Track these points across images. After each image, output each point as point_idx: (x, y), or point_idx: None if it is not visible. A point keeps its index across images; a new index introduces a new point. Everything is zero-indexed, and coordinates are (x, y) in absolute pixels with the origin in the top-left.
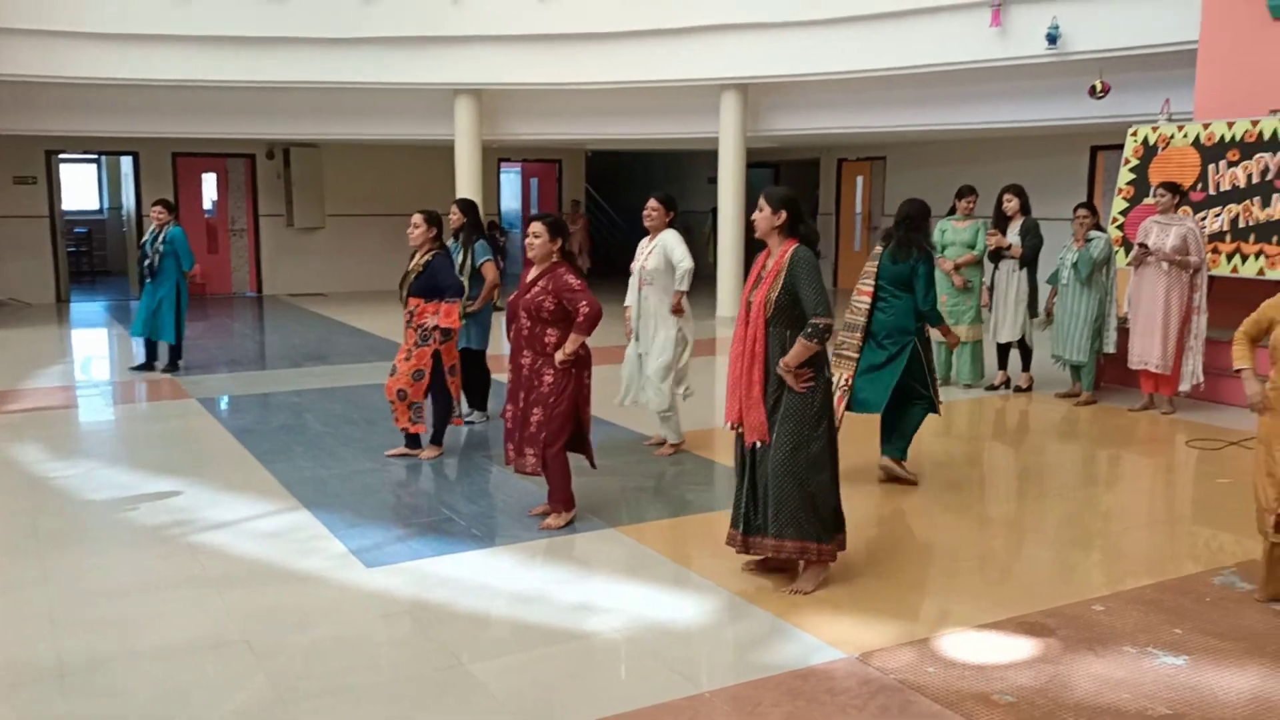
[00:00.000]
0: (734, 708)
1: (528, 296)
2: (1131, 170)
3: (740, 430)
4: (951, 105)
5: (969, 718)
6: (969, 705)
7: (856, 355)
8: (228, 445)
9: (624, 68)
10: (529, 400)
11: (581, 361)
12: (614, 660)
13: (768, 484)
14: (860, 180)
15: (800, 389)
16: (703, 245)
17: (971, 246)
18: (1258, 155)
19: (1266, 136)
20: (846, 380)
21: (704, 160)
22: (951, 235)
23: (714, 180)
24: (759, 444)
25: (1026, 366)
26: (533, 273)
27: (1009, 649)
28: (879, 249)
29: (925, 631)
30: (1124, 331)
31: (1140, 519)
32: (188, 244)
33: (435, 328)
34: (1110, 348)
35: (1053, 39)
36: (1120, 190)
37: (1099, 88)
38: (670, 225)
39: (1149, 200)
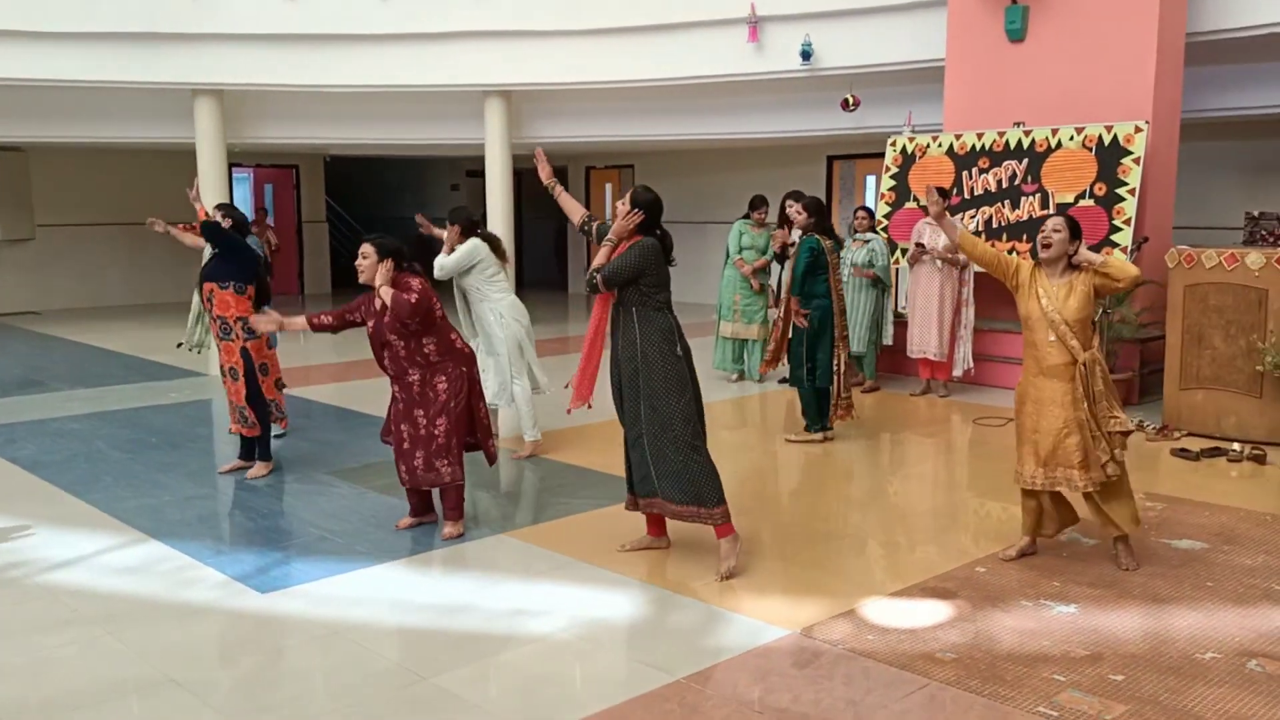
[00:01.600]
0: (718, 690)
1: (388, 319)
2: (892, 178)
3: (591, 407)
4: (712, 116)
5: (926, 675)
6: (920, 665)
7: (847, 334)
8: (20, 478)
9: (381, 71)
10: (431, 413)
11: (467, 359)
12: (579, 658)
13: (645, 455)
14: (609, 188)
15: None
16: None
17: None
18: (1005, 162)
19: (1012, 146)
20: (847, 361)
21: (445, 167)
22: (749, 240)
23: (457, 187)
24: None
25: None
26: (378, 298)
27: (928, 612)
28: (828, 243)
29: (848, 604)
30: (900, 324)
31: (978, 489)
32: None
33: (234, 319)
34: (889, 339)
35: (806, 55)
36: (883, 196)
37: (850, 102)
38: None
39: (910, 204)
